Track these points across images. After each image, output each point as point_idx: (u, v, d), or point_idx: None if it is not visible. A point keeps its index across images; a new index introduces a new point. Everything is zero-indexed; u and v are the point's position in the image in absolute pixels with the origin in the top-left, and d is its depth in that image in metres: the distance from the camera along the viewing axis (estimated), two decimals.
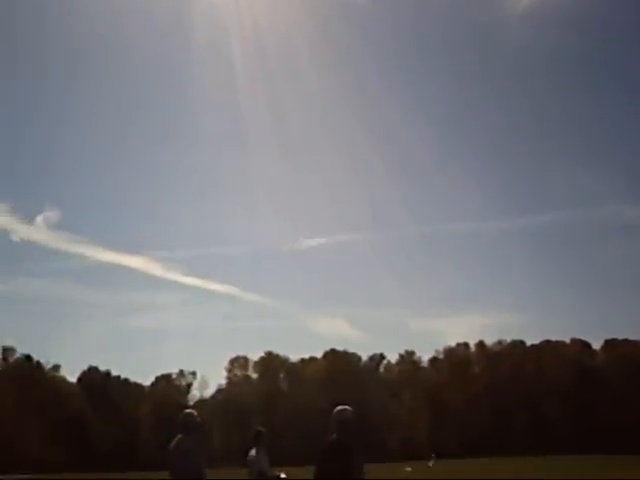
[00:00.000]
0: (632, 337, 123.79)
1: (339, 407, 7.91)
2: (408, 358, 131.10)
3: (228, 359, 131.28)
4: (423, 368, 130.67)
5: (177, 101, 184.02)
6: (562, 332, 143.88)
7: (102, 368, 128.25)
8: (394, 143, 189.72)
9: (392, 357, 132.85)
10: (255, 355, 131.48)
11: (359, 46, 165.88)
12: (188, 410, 11.13)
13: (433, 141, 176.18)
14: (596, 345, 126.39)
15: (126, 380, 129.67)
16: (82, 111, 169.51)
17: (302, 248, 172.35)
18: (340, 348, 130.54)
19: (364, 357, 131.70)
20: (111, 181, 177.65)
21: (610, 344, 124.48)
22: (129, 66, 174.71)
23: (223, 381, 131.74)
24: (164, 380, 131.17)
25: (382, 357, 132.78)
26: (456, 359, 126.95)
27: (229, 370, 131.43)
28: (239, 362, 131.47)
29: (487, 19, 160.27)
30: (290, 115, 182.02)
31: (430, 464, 54.68)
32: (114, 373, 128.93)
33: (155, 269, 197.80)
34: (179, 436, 10.43)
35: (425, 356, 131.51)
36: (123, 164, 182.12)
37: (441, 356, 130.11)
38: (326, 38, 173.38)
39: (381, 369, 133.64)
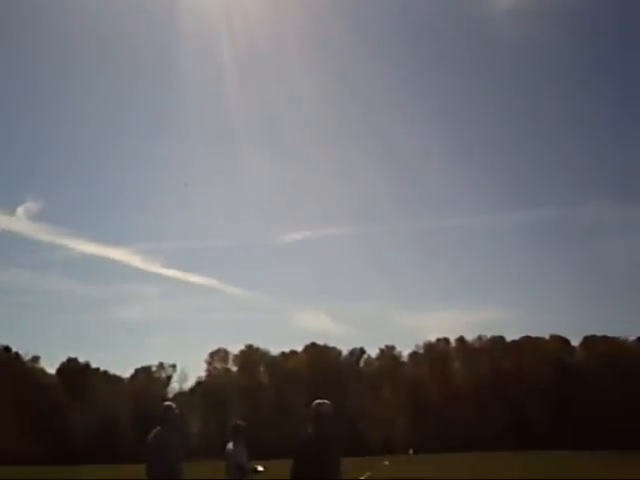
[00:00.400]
0: (610, 334, 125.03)
1: (317, 401, 7.90)
2: (388, 353, 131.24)
3: (208, 352, 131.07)
4: (403, 363, 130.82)
5: (163, 95, 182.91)
6: (542, 328, 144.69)
7: (82, 360, 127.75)
8: (382, 138, 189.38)
9: (372, 351, 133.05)
10: (235, 348, 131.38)
11: (348, 42, 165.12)
12: (167, 402, 11.12)
13: (420, 136, 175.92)
14: (575, 342, 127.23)
15: (105, 372, 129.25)
16: (64, 104, 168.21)
17: (286, 241, 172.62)
18: (321, 342, 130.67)
19: (344, 351, 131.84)
20: (93, 173, 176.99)
21: (589, 341, 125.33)
22: (116, 62, 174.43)
23: (203, 374, 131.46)
24: (144, 372, 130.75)
25: (362, 351, 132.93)
26: (436, 354, 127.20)
27: (209, 363, 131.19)
28: (219, 355, 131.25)
29: (475, 15, 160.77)
30: (277, 110, 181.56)
31: (408, 457, 54.75)
32: (94, 365, 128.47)
33: (136, 261, 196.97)
34: (157, 429, 10.41)
35: (405, 351, 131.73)
36: (106, 157, 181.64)
37: (421, 351, 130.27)
38: (314, 34, 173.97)
39: (361, 363, 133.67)
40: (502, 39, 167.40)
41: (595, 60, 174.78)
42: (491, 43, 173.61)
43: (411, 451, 53.61)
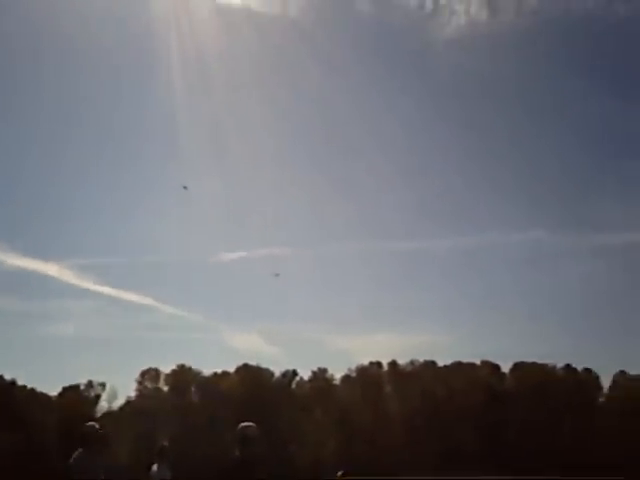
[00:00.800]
0: (540, 361, 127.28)
1: (243, 424, 7.82)
2: (321, 375, 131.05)
3: (139, 371, 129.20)
4: (335, 386, 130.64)
5: (110, 110, 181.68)
6: (473, 354, 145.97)
7: (8, 377, 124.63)
8: (326, 159, 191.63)
9: (305, 374, 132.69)
10: (167, 367, 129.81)
11: (299, 60, 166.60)
12: (89, 423, 10.87)
13: (362, 161, 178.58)
14: (505, 368, 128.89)
15: (32, 390, 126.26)
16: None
17: (222, 261, 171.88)
18: (254, 363, 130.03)
19: (277, 373, 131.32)
20: (27, 187, 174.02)
21: (519, 367, 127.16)
22: (53, 73, 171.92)
23: (133, 393, 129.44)
24: (72, 391, 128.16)
25: (295, 374, 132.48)
26: (368, 378, 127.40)
27: (139, 382, 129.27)
28: (150, 374, 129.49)
29: (415, 46, 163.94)
30: (227, 128, 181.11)
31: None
32: (21, 382, 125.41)
33: (69, 276, 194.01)
34: (79, 450, 10.17)
35: (338, 374, 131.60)
36: (41, 170, 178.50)
37: (353, 374, 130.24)
38: (264, 52, 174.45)
39: (293, 385, 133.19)
40: (443, 67, 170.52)
41: (535, 85, 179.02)
42: (433, 70, 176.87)
43: (340, 474, 53.47)
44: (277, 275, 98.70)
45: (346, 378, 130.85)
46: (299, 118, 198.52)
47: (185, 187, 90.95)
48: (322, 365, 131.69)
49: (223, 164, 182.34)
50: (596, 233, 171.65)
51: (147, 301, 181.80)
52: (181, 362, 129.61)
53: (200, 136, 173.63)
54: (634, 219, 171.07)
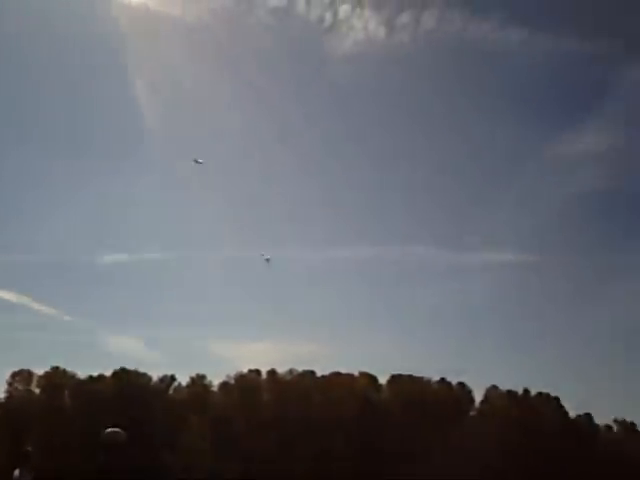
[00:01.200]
0: (416, 374, 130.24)
1: (109, 429, 7.71)
2: (199, 381, 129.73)
3: (10, 372, 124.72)
4: (213, 392, 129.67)
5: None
6: (351, 365, 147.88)
7: None
8: (213, 173, 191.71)
9: (183, 379, 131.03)
10: (40, 369, 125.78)
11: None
12: None
13: (263, 170, 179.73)
14: (382, 379, 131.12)
15: None
16: None
17: (104, 263, 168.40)
18: (132, 367, 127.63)
19: (155, 378, 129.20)
20: None
21: (395, 379, 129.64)
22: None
23: (2, 395, 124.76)
24: None
25: (173, 379, 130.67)
26: (246, 385, 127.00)
27: (10, 384, 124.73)
28: (22, 376, 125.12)
29: (312, 58, 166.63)
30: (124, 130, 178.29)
31: None
32: None
33: None
34: None
35: (216, 380, 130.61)
36: None
37: (232, 381, 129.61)
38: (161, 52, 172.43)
39: (171, 391, 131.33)
40: (339, 79, 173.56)
41: (428, 102, 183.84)
42: (328, 82, 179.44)
43: None
44: (268, 260, 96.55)
45: (224, 385, 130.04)
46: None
47: (197, 161, 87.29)
48: (202, 371, 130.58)
49: (117, 165, 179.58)
50: (474, 252, 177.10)
51: (23, 300, 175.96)
52: (55, 364, 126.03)
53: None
54: (507, 240, 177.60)
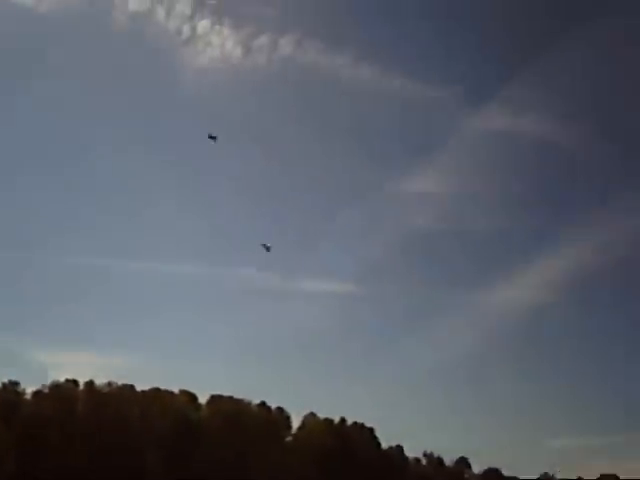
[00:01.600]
0: (237, 395, 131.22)
1: None
2: (11, 388, 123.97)
3: None
4: (25, 400, 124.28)
5: None
6: (173, 383, 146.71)
7: None
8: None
9: None
10: None
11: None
12: None
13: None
14: (202, 399, 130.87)
15: None
16: None
17: None
18: None
19: None
20: None
21: (215, 399, 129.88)
22: None
23: None
24: None
25: None
26: (62, 395, 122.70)
27: None
28: None
29: (166, 69, 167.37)
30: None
31: None
32: None
33: None
34: None
35: (30, 388, 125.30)
36: None
37: (46, 390, 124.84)
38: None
39: None
40: (189, 93, 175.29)
41: (274, 128, 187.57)
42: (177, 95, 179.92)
43: None
44: (268, 249, 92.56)
45: (37, 393, 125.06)
46: None
47: (212, 137, 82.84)
48: (16, 378, 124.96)
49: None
50: (306, 279, 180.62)
51: None
52: None
53: None
54: (338, 270, 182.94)
